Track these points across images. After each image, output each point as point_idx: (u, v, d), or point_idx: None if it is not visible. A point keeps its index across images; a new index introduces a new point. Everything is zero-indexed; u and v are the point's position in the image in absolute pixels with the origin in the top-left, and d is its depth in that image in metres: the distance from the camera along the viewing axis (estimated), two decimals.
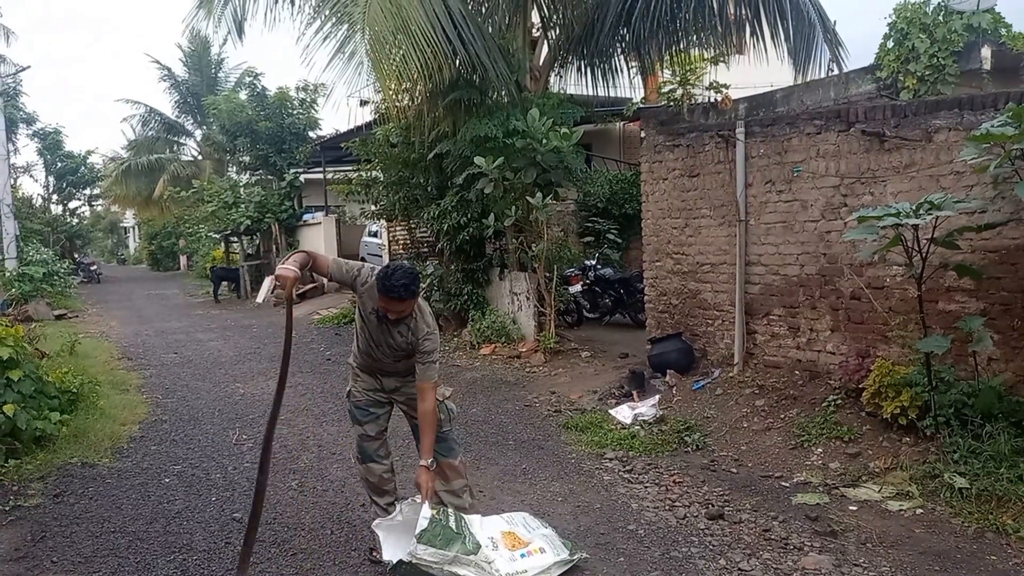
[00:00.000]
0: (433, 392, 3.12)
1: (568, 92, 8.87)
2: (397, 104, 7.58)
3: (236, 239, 17.05)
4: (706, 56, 7.54)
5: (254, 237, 16.80)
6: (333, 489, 4.24)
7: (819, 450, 4.49)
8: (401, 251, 11.99)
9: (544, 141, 7.29)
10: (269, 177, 16.64)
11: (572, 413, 5.77)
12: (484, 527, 3.12)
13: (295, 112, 15.98)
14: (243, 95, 17.57)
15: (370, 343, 3.21)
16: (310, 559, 3.34)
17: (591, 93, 8.89)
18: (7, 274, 13.06)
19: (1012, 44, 7.14)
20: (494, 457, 4.79)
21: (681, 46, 8.00)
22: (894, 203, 4.22)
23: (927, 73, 7.06)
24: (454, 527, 2.96)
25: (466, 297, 8.88)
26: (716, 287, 6.14)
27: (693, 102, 6.58)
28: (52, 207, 27.24)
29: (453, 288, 9.00)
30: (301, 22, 8.53)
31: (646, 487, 4.19)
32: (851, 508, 3.79)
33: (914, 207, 3.90)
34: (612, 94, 8.90)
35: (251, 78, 17.33)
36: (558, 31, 8.73)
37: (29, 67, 21.11)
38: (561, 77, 8.99)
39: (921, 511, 3.67)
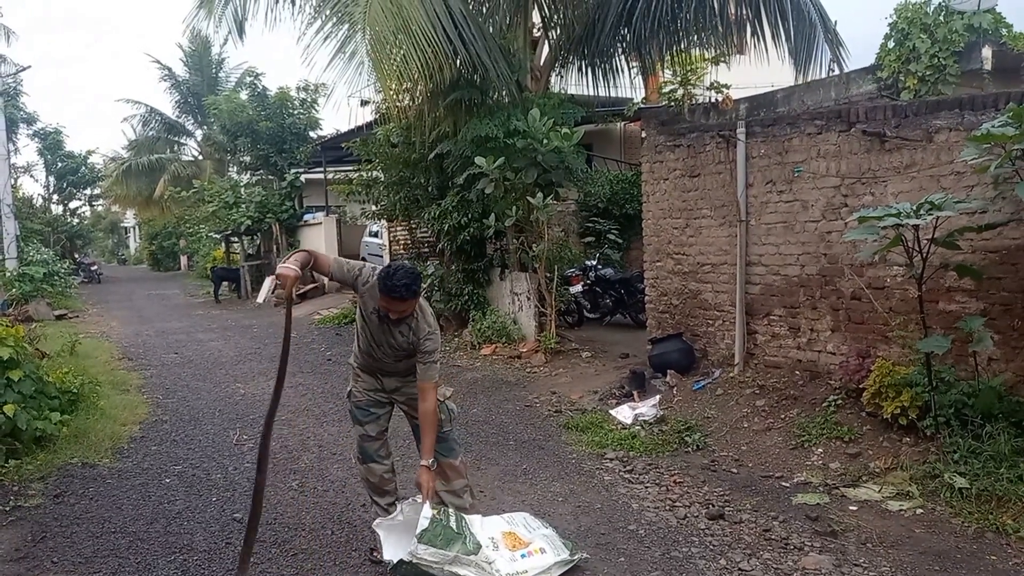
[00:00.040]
0: (434, 392, 3.12)
1: (569, 92, 8.87)
2: (398, 104, 7.58)
3: (237, 239, 17.06)
4: (707, 56, 7.54)
5: (255, 237, 16.81)
6: (334, 489, 4.24)
7: (819, 450, 4.49)
8: (402, 251, 11.99)
9: (545, 141, 7.29)
10: (270, 177, 16.65)
11: (573, 413, 5.77)
12: (485, 527, 3.13)
13: (296, 112, 15.99)
14: (244, 95, 17.58)
15: (371, 343, 3.21)
16: (311, 559, 3.34)
17: (592, 93, 8.89)
18: (8, 274, 13.06)
19: (1013, 44, 7.13)
20: (495, 457, 4.79)
21: (682, 46, 8.00)
22: (895, 203, 4.22)
23: (928, 73, 7.05)
24: (455, 527, 2.96)
25: (467, 297, 8.88)
26: (717, 287, 6.14)
27: (694, 102, 6.58)
28: (52, 207, 27.27)
29: (454, 288, 9.00)
30: (302, 22, 8.53)
31: (647, 487, 4.19)
32: (851, 508, 3.79)
33: (915, 207, 3.90)
34: (613, 94, 8.90)
35: (252, 78, 17.33)
36: (559, 31, 8.73)
37: (29, 67, 21.12)
38: (562, 77, 8.99)
39: (921, 511, 3.67)
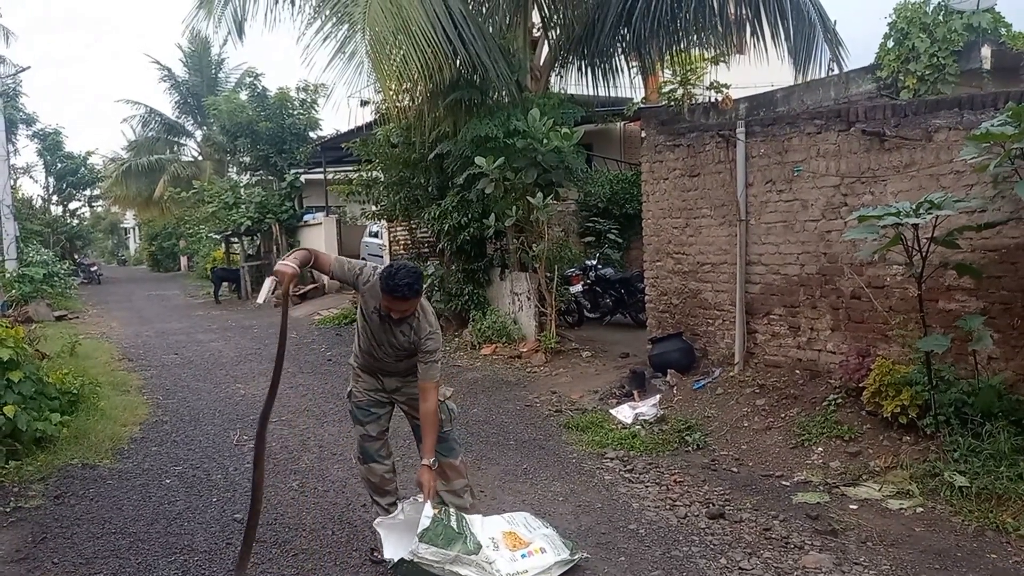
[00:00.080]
0: (435, 392, 3.12)
1: (569, 92, 8.88)
2: (398, 104, 7.58)
3: (236, 240, 17.06)
4: (706, 56, 7.54)
5: (255, 238, 16.81)
6: (334, 490, 4.24)
7: (819, 449, 4.50)
8: (402, 251, 11.99)
9: (545, 141, 7.29)
10: (270, 178, 16.65)
11: (573, 413, 5.78)
12: (485, 527, 3.13)
13: (295, 112, 15.99)
14: (243, 95, 17.58)
15: (372, 343, 3.21)
16: (311, 559, 3.34)
17: (592, 93, 8.90)
18: (7, 275, 13.06)
19: (1012, 43, 7.14)
20: (495, 457, 4.80)
21: (681, 46, 8.01)
22: (894, 202, 4.23)
23: (927, 73, 7.06)
24: (455, 527, 2.96)
25: (467, 297, 8.89)
26: (717, 287, 6.14)
27: (694, 102, 6.58)
28: (52, 208, 27.27)
29: (454, 288, 9.01)
30: (301, 22, 8.54)
31: (647, 487, 4.19)
32: (851, 507, 3.79)
33: (914, 206, 3.91)
34: (613, 94, 8.91)
35: (251, 78, 17.33)
36: (559, 31, 8.73)
37: (29, 67, 21.16)
38: (562, 77, 8.99)
39: (921, 509, 3.68)
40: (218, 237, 18.49)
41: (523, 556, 3.06)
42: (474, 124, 7.58)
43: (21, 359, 4.75)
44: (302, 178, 16.23)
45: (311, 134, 16.31)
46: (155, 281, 24.40)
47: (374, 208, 10.94)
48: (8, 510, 3.89)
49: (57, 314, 12.89)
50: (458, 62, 7.12)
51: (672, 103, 6.63)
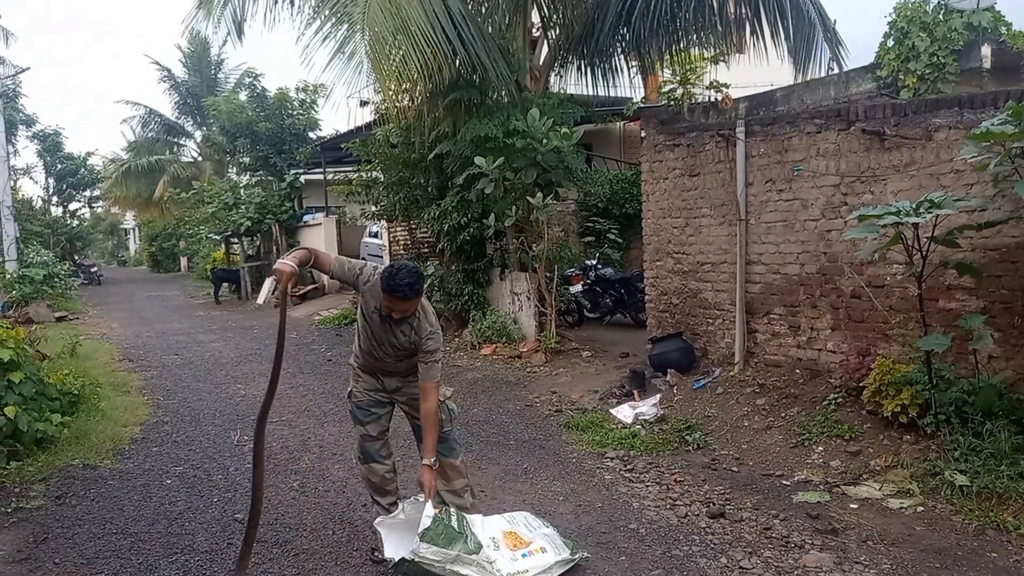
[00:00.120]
0: (436, 392, 3.12)
1: (568, 92, 8.88)
2: (397, 104, 7.59)
3: (236, 240, 17.06)
4: (706, 55, 7.55)
5: (254, 238, 16.81)
6: (335, 490, 4.24)
7: (820, 448, 4.50)
8: (402, 252, 11.99)
9: (544, 141, 7.29)
10: (269, 178, 16.65)
11: (573, 413, 5.78)
12: (485, 527, 3.13)
13: (295, 113, 15.99)
14: (243, 96, 17.58)
15: (372, 343, 3.21)
16: (312, 559, 3.34)
17: (591, 93, 8.90)
18: (8, 276, 13.06)
19: (1012, 42, 7.15)
20: (495, 457, 4.80)
21: (681, 45, 8.01)
22: (894, 202, 4.23)
23: (927, 72, 7.07)
24: (456, 526, 2.96)
25: (467, 297, 8.89)
26: (717, 286, 6.14)
27: (693, 101, 6.59)
28: (52, 209, 27.28)
29: (454, 288, 9.01)
30: (301, 22, 8.55)
31: (647, 486, 4.19)
32: (852, 506, 3.79)
33: (914, 205, 3.91)
34: (612, 94, 8.91)
35: (251, 79, 17.33)
36: (558, 31, 8.74)
37: (28, 68, 21.18)
38: (561, 77, 8.99)
39: (922, 509, 3.68)
40: (218, 238, 18.49)
41: (524, 555, 3.06)
42: (474, 124, 7.59)
43: (22, 360, 4.75)
44: (302, 178, 16.23)
45: (311, 134, 16.31)
46: (155, 282, 24.41)
47: (374, 208, 10.95)
48: (9, 510, 3.90)
49: (57, 315, 12.89)
50: (457, 62, 7.13)
51: (672, 103, 6.64)
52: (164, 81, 24.45)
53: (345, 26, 6.84)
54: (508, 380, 7.03)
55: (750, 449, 4.72)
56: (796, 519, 3.64)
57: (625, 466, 4.54)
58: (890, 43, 7.38)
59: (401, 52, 6.57)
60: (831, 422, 4.68)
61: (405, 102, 7.77)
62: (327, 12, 7.36)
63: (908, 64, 7.18)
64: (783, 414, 5.02)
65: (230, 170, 20.38)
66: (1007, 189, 4.00)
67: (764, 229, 5.68)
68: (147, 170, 23.54)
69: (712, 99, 6.64)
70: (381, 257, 12.85)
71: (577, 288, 8.77)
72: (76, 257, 26.32)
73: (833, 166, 5.16)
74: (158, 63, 25.58)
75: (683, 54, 7.91)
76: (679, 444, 4.89)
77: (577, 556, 3.18)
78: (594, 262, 9.21)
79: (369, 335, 3.21)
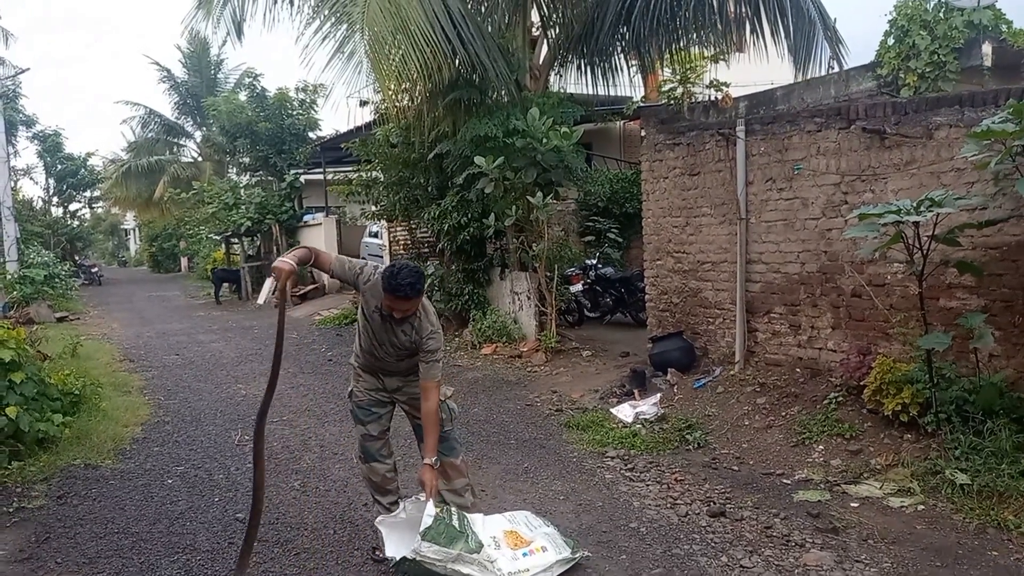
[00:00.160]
0: (437, 391, 3.12)
1: (568, 91, 8.88)
2: (397, 104, 7.59)
3: (237, 240, 17.07)
4: (706, 54, 7.54)
5: (255, 238, 16.81)
6: (336, 489, 4.25)
7: (820, 447, 4.50)
8: (402, 251, 12.00)
9: (544, 140, 7.29)
10: (269, 178, 16.65)
11: (573, 412, 5.78)
12: (486, 526, 3.13)
13: (295, 113, 15.99)
14: (243, 96, 17.58)
15: (373, 342, 3.22)
16: (313, 558, 3.35)
17: (591, 92, 8.90)
18: (8, 277, 13.07)
19: (1013, 40, 7.14)
20: (496, 456, 4.80)
21: (681, 44, 8.00)
22: (895, 200, 4.23)
23: (928, 70, 7.06)
24: (457, 526, 2.97)
25: (467, 297, 8.89)
26: (717, 285, 6.14)
27: (693, 100, 6.58)
28: (52, 209, 27.29)
29: (454, 288, 9.01)
30: (300, 22, 8.54)
31: (648, 485, 4.19)
32: (852, 505, 3.79)
33: (915, 204, 3.90)
34: (612, 93, 8.91)
35: (251, 79, 17.34)
36: (558, 30, 8.74)
37: (28, 69, 21.20)
38: (561, 76, 8.99)
39: (922, 507, 3.68)
40: (218, 238, 18.49)
41: (524, 555, 3.06)
42: (473, 124, 7.58)
43: (23, 360, 4.75)
44: (302, 178, 16.24)
45: (310, 134, 16.31)
46: (155, 282, 24.42)
47: (374, 208, 10.95)
48: (11, 510, 3.90)
49: (58, 315, 12.90)
50: (457, 62, 7.13)
51: (672, 102, 6.64)
52: (164, 81, 24.46)
53: (344, 26, 6.84)
54: (508, 379, 7.04)
55: (751, 448, 4.72)
56: (797, 518, 3.64)
57: (626, 465, 4.54)
58: (891, 41, 7.38)
59: (401, 52, 6.57)
60: (832, 421, 4.68)
61: (405, 102, 7.77)
62: (326, 12, 7.36)
63: (909, 62, 7.17)
64: (784, 413, 5.03)
65: (230, 170, 20.38)
66: (1008, 187, 3.99)
67: (764, 228, 5.68)
68: (147, 170, 23.54)
69: (712, 98, 6.64)
70: (381, 257, 12.86)
71: (577, 287, 8.77)
72: (76, 258, 26.32)
73: (833, 165, 5.16)
74: (158, 63, 25.61)
75: (683, 53, 7.91)
76: (679, 443, 4.89)
77: (578, 555, 3.18)
78: (594, 261, 9.21)
79: (370, 335, 3.22)
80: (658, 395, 5.78)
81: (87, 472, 4.55)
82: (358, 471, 3.71)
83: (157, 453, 5.04)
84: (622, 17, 7.84)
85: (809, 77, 7.51)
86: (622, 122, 12.55)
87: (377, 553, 3.24)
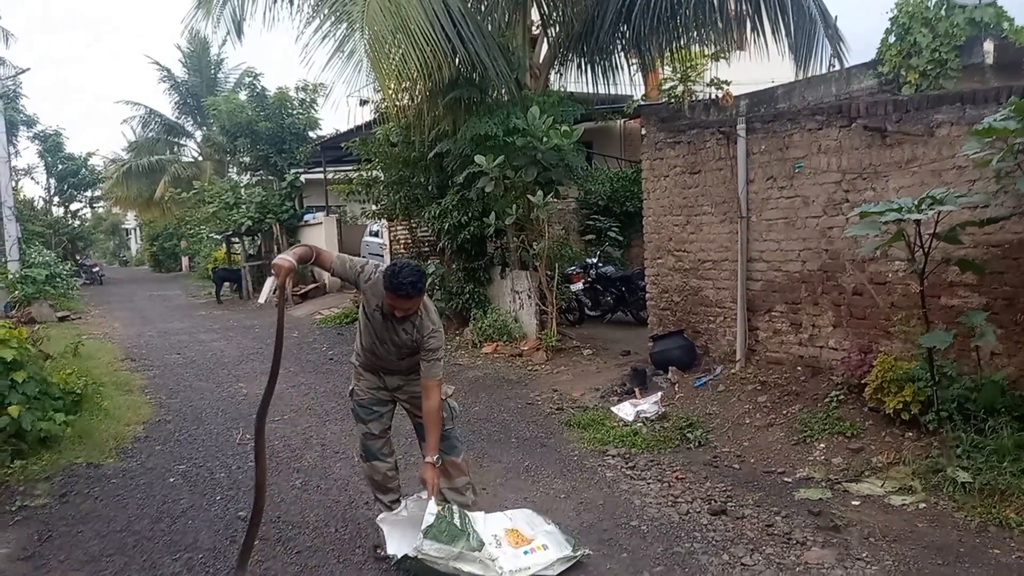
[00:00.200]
0: (438, 390, 3.13)
1: (568, 90, 8.87)
2: (397, 103, 7.59)
3: (237, 240, 17.08)
4: (707, 52, 7.53)
5: (255, 238, 16.82)
6: (337, 487, 4.25)
7: (821, 445, 4.50)
8: (402, 250, 12.00)
9: (544, 139, 7.29)
10: (270, 177, 16.66)
11: (574, 411, 5.78)
12: (487, 524, 3.14)
13: (295, 112, 15.99)
14: (243, 95, 17.59)
15: (374, 341, 3.22)
16: (314, 556, 3.35)
17: (591, 91, 8.89)
18: (10, 276, 13.09)
19: (1014, 38, 7.11)
20: (497, 455, 4.80)
21: (681, 42, 8.00)
22: (896, 198, 4.22)
23: (929, 68, 7.04)
24: (458, 524, 2.97)
25: (468, 296, 8.89)
26: (718, 284, 6.14)
27: (694, 99, 6.58)
28: (53, 209, 27.31)
29: (455, 287, 9.01)
30: (300, 21, 8.53)
31: (648, 483, 4.19)
32: (854, 503, 3.79)
33: (916, 202, 3.90)
34: (613, 91, 8.90)
35: (251, 78, 17.34)
36: (558, 28, 8.73)
37: (28, 69, 21.22)
38: (561, 75, 8.99)
39: (924, 506, 3.68)
40: (219, 237, 18.50)
41: (526, 553, 3.07)
42: (473, 122, 7.58)
43: (25, 359, 4.76)
44: (302, 178, 16.24)
45: (310, 134, 16.31)
46: (157, 281, 24.43)
47: (374, 207, 10.94)
48: (14, 509, 3.91)
49: (60, 315, 12.91)
50: (457, 60, 7.12)
51: (672, 100, 6.63)
52: (164, 81, 24.48)
53: (344, 25, 6.84)
54: (509, 378, 7.04)
55: (752, 446, 4.72)
56: (798, 516, 3.64)
57: (626, 463, 4.54)
58: (892, 39, 7.35)
59: (401, 51, 6.56)
60: (833, 419, 4.67)
61: (405, 101, 7.77)
62: (326, 11, 7.35)
63: (910, 60, 7.15)
64: (785, 411, 5.03)
65: (231, 170, 20.39)
66: (1010, 185, 3.98)
67: (765, 226, 5.68)
68: (148, 170, 23.55)
69: (713, 96, 6.63)
70: (382, 256, 12.86)
71: (578, 286, 8.77)
72: (78, 257, 26.34)
73: (834, 163, 5.16)
74: (158, 63, 25.61)
75: (684, 51, 7.90)
76: (680, 441, 4.89)
77: (579, 553, 3.19)
78: (595, 260, 9.21)
79: (371, 333, 3.22)
80: (659, 393, 5.79)
81: (89, 471, 4.55)
82: (359, 469, 3.71)
83: (159, 452, 5.04)
84: (622, 15, 7.83)
85: (810, 75, 7.49)
86: (622, 121, 12.53)
87: (379, 551, 3.24)
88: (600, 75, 8.74)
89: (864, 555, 3.22)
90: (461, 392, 6.16)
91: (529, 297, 8.26)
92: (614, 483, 4.22)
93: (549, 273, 7.86)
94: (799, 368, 5.44)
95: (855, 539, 3.38)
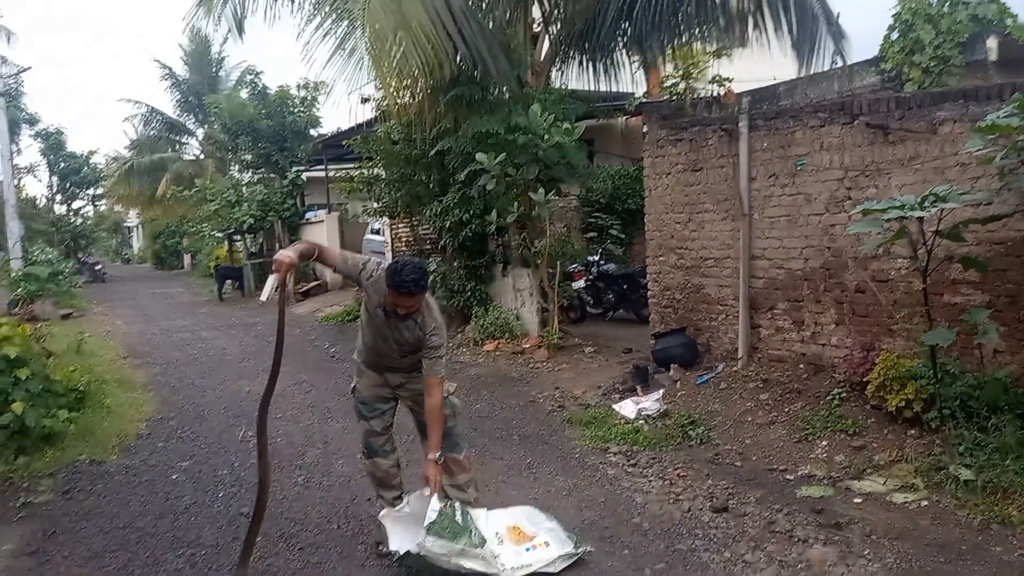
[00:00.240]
0: (440, 387, 3.13)
1: (570, 87, 8.86)
2: (398, 101, 7.58)
3: (240, 237, 17.10)
4: (709, 50, 7.52)
5: (257, 235, 16.85)
6: (339, 484, 4.26)
7: (824, 443, 4.50)
8: (404, 248, 12.00)
9: (546, 137, 7.28)
10: (271, 175, 16.68)
11: (576, 408, 5.78)
12: (489, 521, 3.14)
13: (296, 110, 16.00)
14: (244, 93, 17.60)
15: (376, 338, 3.22)
16: (317, 553, 3.36)
17: (593, 88, 8.88)
18: (13, 274, 13.12)
19: (1017, 35, 7.10)
20: (498, 452, 4.81)
21: (683, 39, 7.98)
22: (898, 196, 4.21)
23: (932, 64, 7.02)
24: (460, 521, 2.98)
25: (469, 294, 8.89)
26: (720, 282, 6.13)
27: (696, 96, 6.57)
28: (56, 207, 27.36)
29: (456, 285, 9.01)
30: (301, 19, 8.51)
31: (650, 481, 4.20)
32: (856, 500, 3.79)
33: (919, 199, 3.89)
34: (614, 89, 8.89)
35: (252, 76, 17.34)
36: (559, 26, 8.71)
37: (30, 68, 21.24)
38: (562, 72, 8.98)
39: (926, 503, 3.67)
40: (221, 235, 18.52)
41: (528, 550, 3.07)
42: (475, 120, 7.57)
43: (28, 357, 4.78)
44: (304, 176, 16.25)
45: (312, 132, 16.32)
46: (159, 279, 24.47)
47: (376, 205, 10.94)
48: (18, 505, 3.93)
49: (62, 312, 12.93)
50: (458, 58, 7.11)
51: (674, 97, 6.62)
52: (165, 79, 24.49)
53: (345, 22, 6.84)
54: (511, 376, 7.04)
55: (753, 444, 4.72)
56: (800, 513, 3.64)
57: (628, 461, 4.54)
58: (894, 36, 7.34)
59: (402, 48, 6.55)
60: (835, 417, 4.67)
61: (406, 99, 7.76)
62: (327, 8, 7.36)
63: (913, 57, 7.14)
64: (787, 409, 5.02)
65: (232, 167, 20.40)
66: (1013, 182, 3.97)
67: (767, 224, 5.67)
68: (150, 168, 23.56)
69: (715, 94, 6.62)
70: (383, 254, 12.87)
71: (580, 284, 8.76)
72: (80, 255, 26.39)
73: (837, 160, 5.14)
74: (159, 61, 25.66)
75: (685, 48, 7.89)
76: (682, 439, 4.89)
77: (580, 550, 3.19)
78: (597, 258, 9.20)
79: (373, 331, 3.22)
80: (661, 391, 5.78)
81: (92, 467, 4.57)
82: (362, 467, 3.72)
83: (162, 449, 5.06)
84: (624, 12, 7.82)
85: (812, 72, 7.49)
86: (624, 118, 12.50)
87: (381, 547, 3.25)
88: (602, 73, 8.73)
89: (866, 552, 3.22)
90: (463, 390, 6.14)
91: (531, 295, 8.26)
92: (616, 480, 4.22)
93: (551, 271, 7.86)
94: (801, 366, 5.43)
95: (857, 536, 3.38)
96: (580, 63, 8.78)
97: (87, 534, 3.60)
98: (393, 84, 6.93)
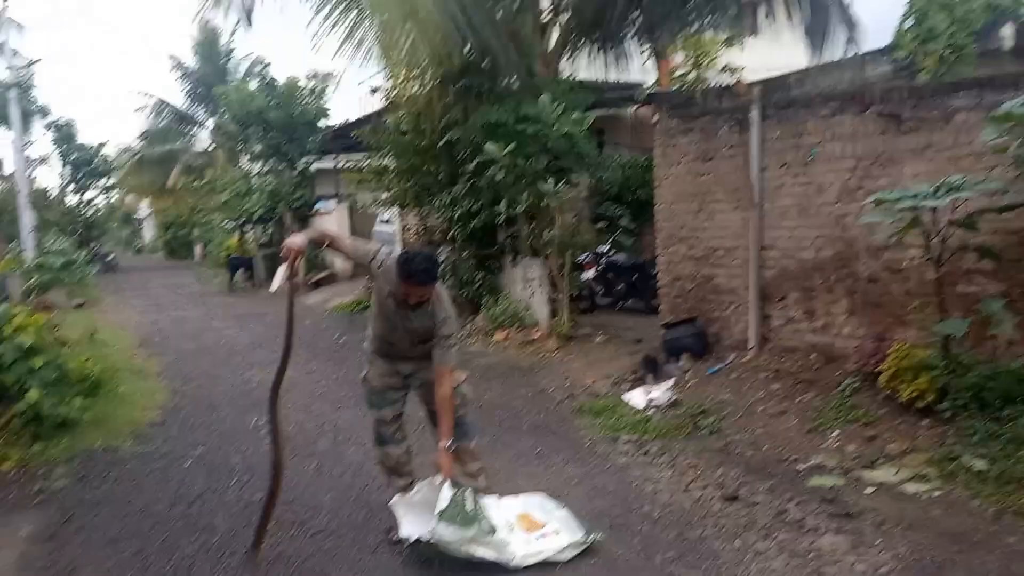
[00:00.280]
0: (451, 376, 3.15)
1: (579, 77, 8.81)
2: (407, 92, 7.57)
3: (250, 228, 17.18)
4: (719, 39, 7.45)
5: (267, 226, 16.91)
6: (351, 472, 4.30)
7: (835, 433, 4.48)
8: (414, 238, 12.00)
9: (555, 127, 7.25)
10: (281, 166, 16.70)
11: (586, 398, 5.79)
12: (500, 509, 3.16)
13: (305, 101, 16.00)
14: (253, 85, 17.61)
15: (387, 327, 3.24)
16: (329, 539, 3.40)
17: (602, 78, 8.83)
18: (27, 264, 13.25)
19: None
20: (509, 441, 4.83)
21: (694, 28, 7.91)
22: (911, 185, 4.17)
23: (946, 53, 6.92)
24: (471, 509, 3.00)
25: (479, 284, 8.90)
26: (731, 272, 6.11)
27: (706, 86, 6.52)
28: (68, 198, 27.54)
29: (466, 275, 9.02)
30: (310, 8, 8.51)
31: (661, 470, 4.20)
32: (867, 491, 3.78)
33: (932, 189, 3.86)
34: (624, 79, 8.84)
35: (260, 67, 17.35)
36: (568, 15, 8.65)
37: (40, 60, 21.32)
38: (572, 62, 8.92)
39: (939, 493, 3.66)
40: (231, 225, 18.61)
41: (538, 537, 3.09)
42: (484, 111, 7.55)
43: (43, 346, 4.84)
44: (313, 166, 16.28)
45: (321, 123, 16.32)
46: (170, 269, 24.65)
47: (385, 196, 10.95)
48: (34, 491, 3.99)
49: (75, 302, 13.07)
50: (467, 48, 7.09)
51: (684, 87, 6.57)
52: (175, 70, 24.52)
53: (354, 12, 6.83)
54: (521, 365, 7.06)
55: (764, 434, 4.71)
56: (811, 503, 3.64)
57: (639, 450, 4.55)
58: (908, 24, 7.23)
59: (410, 39, 6.54)
60: (847, 407, 4.66)
61: (415, 89, 7.75)
62: None
63: (926, 46, 7.03)
64: (798, 399, 5.01)
65: (242, 158, 20.45)
66: None
67: (779, 214, 5.63)
68: (160, 159, 23.69)
69: (725, 83, 6.57)
70: (393, 244, 12.89)
71: (589, 274, 8.75)
72: (92, 245, 26.59)
73: (849, 150, 5.10)
74: (170, 53, 25.69)
75: (696, 37, 7.81)
76: (693, 429, 4.89)
77: (591, 538, 3.20)
78: (607, 248, 9.18)
79: (384, 320, 3.24)
80: (671, 381, 5.78)
81: (106, 455, 4.63)
82: (373, 455, 3.75)
83: (175, 436, 5.11)
84: (634, 2, 7.76)
85: (824, 61, 7.40)
86: (634, 108, 12.42)
87: (392, 534, 3.28)
88: (612, 62, 8.67)
89: (878, 542, 3.22)
90: (473, 379, 6.13)
91: (540, 285, 8.26)
92: (626, 469, 4.23)
93: (560, 261, 7.85)
94: (813, 356, 5.41)
95: (869, 526, 3.37)
96: (590, 53, 8.73)
97: (102, 520, 3.66)
98: (402, 74, 6.92)
